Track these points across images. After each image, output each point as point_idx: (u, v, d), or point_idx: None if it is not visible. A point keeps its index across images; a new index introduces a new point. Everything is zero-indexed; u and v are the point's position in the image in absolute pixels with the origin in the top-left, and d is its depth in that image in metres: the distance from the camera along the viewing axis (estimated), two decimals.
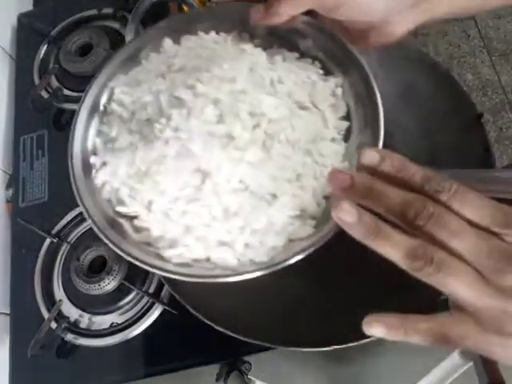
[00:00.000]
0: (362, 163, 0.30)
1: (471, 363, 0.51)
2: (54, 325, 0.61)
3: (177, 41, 0.45)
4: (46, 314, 0.62)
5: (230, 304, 0.50)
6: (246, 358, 0.57)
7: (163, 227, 0.38)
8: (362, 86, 0.41)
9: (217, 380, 0.56)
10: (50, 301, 0.64)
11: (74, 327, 0.62)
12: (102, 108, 0.44)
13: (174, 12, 0.80)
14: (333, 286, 0.55)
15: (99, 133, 0.43)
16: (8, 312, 0.66)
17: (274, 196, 0.37)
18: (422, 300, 0.46)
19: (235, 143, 0.37)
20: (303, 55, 0.44)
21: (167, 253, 0.37)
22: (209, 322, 0.46)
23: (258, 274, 0.34)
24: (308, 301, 0.53)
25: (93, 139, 0.43)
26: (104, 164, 0.41)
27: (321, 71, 0.44)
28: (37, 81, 0.79)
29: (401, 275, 0.51)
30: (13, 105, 0.80)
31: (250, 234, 0.36)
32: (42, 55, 0.82)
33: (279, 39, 0.44)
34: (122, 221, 0.39)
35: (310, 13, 0.39)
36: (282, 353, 0.55)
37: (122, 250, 0.36)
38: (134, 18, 0.48)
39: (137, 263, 0.36)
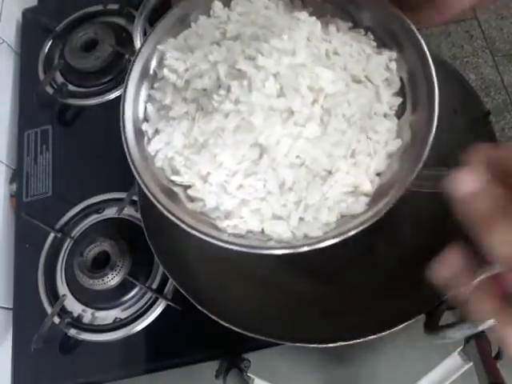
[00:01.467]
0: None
1: (471, 363, 0.51)
2: (57, 320, 0.61)
3: (227, 4, 0.44)
4: (49, 309, 0.62)
5: (235, 300, 0.50)
6: (246, 356, 0.57)
7: (218, 199, 0.38)
8: (417, 62, 0.40)
9: (216, 377, 0.56)
10: (54, 296, 0.64)
11: (77, 322, 0.62)
12: (152, 72, 0.43)
13: None
14: (335, 285, 0.55)
15: (151, 99, 0.43)
16: (11, 306, 0.66)
17: (329, 172, 0.37)
18: (422, 300, 0.46)
19: (295, 118, 0.37)
20: (356, 25, 0.44)
21: (222, 223, 0.37)
22: (214, 317, 0.46)
23: (312, 247, 0.34)
24: (311, 298, 0.53)
25: (143, 105, 0.42)
26: (157, 132, 0.40)
27: (374, 43, 0.43)
28: (41, 76, 0.79)
29: (401, 275, 0.52)
30: (17, 100, 0.80)
31: (304, 209, 0.37)
32: (46, 51, 0.81)
33: (332, 8, 0.44)
34: (176, 189, 0.39)
35: None
36: (281, 351, 0.56)
37: (175, 217, 0.36)
38: (141, 14, 0.47)
39: (191, 231, 0.36)
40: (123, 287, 0.61)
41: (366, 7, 0.42)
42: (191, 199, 0.39)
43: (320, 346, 0.46)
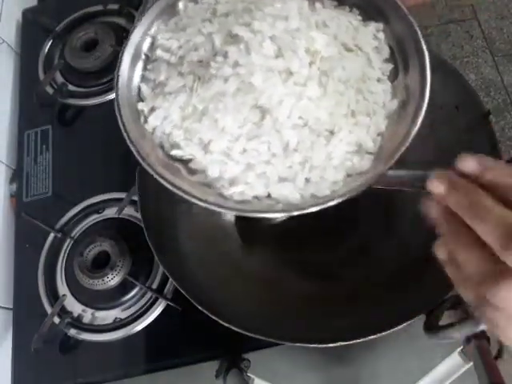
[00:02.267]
0: (460, 171, 0.28)
1: (471, 363, 0.51)
2: (57, 320, 0.61)
3: None
4: (49, 309, 0.62)
5: (235, 300, 0.50)
6: (246, 356, 0.57)
7: (222, 167, 0.38)
8: (405, 32, 0.42)
9: (216, 377, 0.56)
10: (54, 296, 0.64)
11: (77, 322, 0.62)
12: (143, 56, 0.44)
13: None
14: (335, 285, 0.55)
15: (144, 79, 0.43)
16: (11, 306, 0.66)
17: (332, 132, 0.38)
18: (422, 300, 0.46)
19: (295, 78, 0.37)
20: (341, 3, 0.45)
21: (228, 191, 0.37)
22: (214, 317, 0.46)
23: (321, 207, 0.35)
24: (311, 298, 0.53)
25: (137, 86, 0.43)
26: (153, 109, 0.41)
27: (359, 17, 0.44)
28: (41, 76, 0.79)
29: (401, 276, 0.52)
30: (17, 100, 0.80)
31: (310, 170, 0.37)
32: (46, 51, 0.82)
33: None
34: (177, 164, 0.39)
35: None
36: (281, 351, 0.56)
37: (178, 189, 0.36)
38: (141, 14, 0.47)
39: (197, 202, 0.36)
40: (123, 287, 0.61)
41: None
42: (193, 172, 0.39)
43: (320, 345, 0.46)
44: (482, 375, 0.46)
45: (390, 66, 0.43)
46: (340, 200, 0.35)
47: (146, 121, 0.41)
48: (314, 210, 0.35)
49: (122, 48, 0.43)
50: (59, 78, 0.78)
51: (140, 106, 0.42)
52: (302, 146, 0.37)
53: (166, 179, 0.37)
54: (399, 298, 0.49)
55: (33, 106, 0.75)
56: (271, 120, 0.37)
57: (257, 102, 0.37)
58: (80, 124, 0.75)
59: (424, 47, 0.40)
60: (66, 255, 0.66)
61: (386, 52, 0.43)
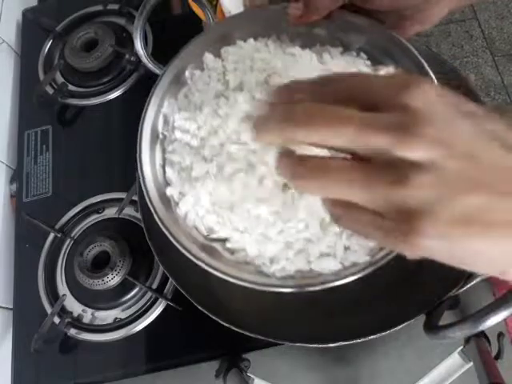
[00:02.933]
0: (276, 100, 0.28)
1: (471, 363, 0.51)
2: (57, 320, 0.61)
3: (217, 54, 0.45)
4: (49, 309, 0.62)
5: (235, 300, 0.50)
6: (246, 356, 0.57)
7: (261, 247, 0.38)
8: (414, 70, 0.41)
9: (216, 377, 0.56)
10: (53, 296, 0.64)
11: (77, 322, 0.62)
12: (161, 136, 0.43)
13: (176, 8, 0.80)
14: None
15: (168, 162, 0.42)
16: (11, 306, 0.66)
17: None
18: (422, 300, 0.46)
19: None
20: (347, 49, 0.44)
21: (269, 269, 0.37)
22: (214, 317, 0.46)
23: (362, 274, 0.35)
24: (311, 298, 0.53)
25: (161, 169, 0.42)
26: (182, 194, 0.40)
27: (368, 62, 0.44)
28: (42, 76, 0.79)
29: (401, 275, 0.52)
30: (17, 100, 0.80)
31: (348, 238, 0.37)
32: (46, 51, 0.82)
33: (321, 36, 0.44)
34: (214, 244, 0.39)
35: (343, 6, 0.40)
36: (280, 351, 0.56)
37: (222, 273, 0.36)
38: (141, 14, 0.47)
39: (242, 283, 0.36)
40: (123, 287, 0.61)
41: (353, 29, 0.43)
42: (231, 251, 0.39)
43: (320, 345, 0.46)
44: (481, 375, 0.46)
45: None
46: (378, 265, 0.35)
47: (177, 205, 0.40)
48: (355, 278, 0.35)
49: (140, 129, 0.42)
50: (59, 78, 0.78)
51: (169, 191, 0.41)
52: None
53: (205, 263, 0.37)
54: (399, 298, 0.49)
55: (33, 106, 0.75)
56: (305, 199, 0.36)
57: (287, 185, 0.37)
58: (80, 124, 0.75)
59: (422, 60, 0.39)
60: (66, 255, 0.66)
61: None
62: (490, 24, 1.62)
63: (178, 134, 0.42)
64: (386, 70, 0.42)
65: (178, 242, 0.37)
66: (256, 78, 0.41)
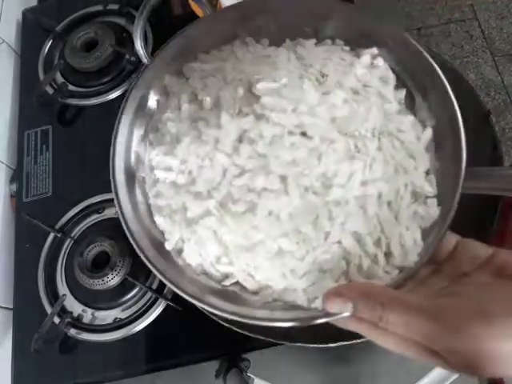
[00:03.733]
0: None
1: None
2: (57, 320, 0.61)
3: (179, 73, 0.42)
4: (49, 309, 0.62)
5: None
6: (246, 356, 0.57)
7: (287, 280, 0.35)
8: (402, 49, 0.39)
9: (216, 377, 0.56)
10: (54, 295, 0.64)
11: (77, 322, 0.62)
12: (140, 178, 0.39)
13: (176, 8, 0.80)
14: None
15: (155, 209, 0.38)
16: (11, 306, 0.66)
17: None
18: None
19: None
20: (320, 39, 0.42)
21: (307, 302, 0.35)
22: (214, 317, 0.46)
23: (411, 273, 0.33)
24: None
25: (147, 218, 0.38)
26: (182, 240, 0.37)
27: (346, 47, 0.42)
28: (42, 76, 0.79)
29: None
30: (17, 100, 0.80)
31: (387, 246, 0.35)
32: (46, 51, 0.82)
33: (290, 31, 0.42)
34: (232, 288, 0.36)
35: None
36: (281, 351, 0.55)
37: (256, 319, 0.32)
38: (141, 14, 0.47)
39: (286, 324, 0.32)
40: (123, 287, 0.61)
41: (325, 18, 0.41)
42: (255, 292, 0.36)
43: (320, 345, 0.46)
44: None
45: (403, 92, 0.40)
46: (421, 264, 0.33)
47: (179, 256, 0.37)
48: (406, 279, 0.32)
49: (111, 172, 0.37)
50: (59, 78, 0.78)
51: (167, 245, 0.37)
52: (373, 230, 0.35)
53: (234, 313, 0.33)
54: None
55: (33, 106, 0.75)
56: (333, 223, 0.35)
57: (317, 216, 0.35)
58: (80, 124, 0.75)
59: (430, 60, 0.37)
60: (66, 255, 0.66)
61: (392, 78, 0.40)
62: (490, 24, 1.62)
63: (159, 174, 0.38)
64: (369, 52, 0.41)
65: (194, 297, 0.33)
66: (233, 90, 0.38)
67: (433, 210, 0.35)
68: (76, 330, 0.61)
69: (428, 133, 0.38)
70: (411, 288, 0.31)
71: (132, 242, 0.35)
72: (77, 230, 0.67)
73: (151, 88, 0.41)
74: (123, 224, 0.36)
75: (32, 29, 0.84)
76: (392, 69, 0.41)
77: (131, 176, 0.39)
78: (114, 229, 0.64)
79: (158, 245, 0.37)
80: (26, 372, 0.62)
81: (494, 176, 0.33)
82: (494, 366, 0.24)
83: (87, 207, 0.68)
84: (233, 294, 0.36)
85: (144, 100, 0.41)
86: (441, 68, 0.37)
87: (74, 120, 0.76)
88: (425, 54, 0.37)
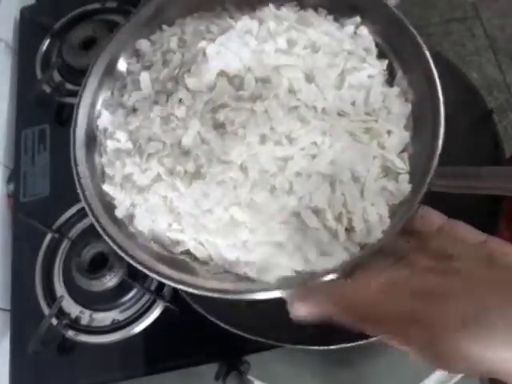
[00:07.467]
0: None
1: None
2: (54, 321, 0.61)
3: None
4: (46, 311, 0.62)
5: (234, 302, 0.49)
6: (245, 358, 0.57)
7: (241, 252, 0.34)
8: (384, 19, 0.38)
9: (216, 379, 0.55)
10: (51, 297, 0.63)
11: (75, 324, 0.61)
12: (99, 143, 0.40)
13: None
14: None
15: (107, 177, 0.39)
16: (8, 308, 0.66)
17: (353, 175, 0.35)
18: None
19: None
20: (302, 6, 0.42)
21: (258, 276, 0.34)
22: (213, 319, 0.45)
23: (378, 247, 0.32)
24: None
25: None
26: (133, 206, 0.37)
27: (330, 17, 0.41)
28: (39, 75, 0.79)
29: None
30: (15, 98, 0.79)
31: (350, 220, 0.34)
32: (44, 49, 0.81)
33: None
34: (183, 257, 0.36)
35: None
36: (281, 353, 0.55)
37: (202, 289, 0.33)
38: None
39: (228, 296, 0.32)
40: (121, 288, 0.61)
41: None
42: (204, 262, 0.36)
43: (321, 347, 0.45)
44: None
45: (384, 63, 0.39)
46: (390, 239, 0.32)
47: (131, 223, 0.37)
48: (370, 256, 0.32)
49: (72, 136, 0.39)
50: (57, 77, 0.78)
51: (118, 213, 0.37)
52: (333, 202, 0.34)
53: (180, 282, 0.33)
54: None
55: (30, 104, 0.75)
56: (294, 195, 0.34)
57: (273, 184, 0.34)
58: None
59: (415, 32, 0.36)
60: (63, 256, 0.65)
61: (374, 48, 0.40)
62: (493, 22, 1.61)
63: (110, 142, 0.39)
64: (353, 22, 0.40)
65: (141, 264, 0.34)
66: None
67: (403, 187, 0.34)
68: (74, 332, 0.61)
69: (407, 107, 0.37)
70: (392, 263, 0.30)
71: (84, 202, 0.36)
72: (74, 231, 0.66)
73: (122, 51, 0.42)
74: (77, 183, 0.37)
75: (30, 27, 0.84)
76: (374, 41, 0.40)
77: (93, 139, 0.40)
78: None
79: (112, 211, 0.37)
80: (24, 374, 0.61)
81: (482, 175, 0.32)
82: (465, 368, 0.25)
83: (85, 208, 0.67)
84: (183, 263, 0.35)
85: (114, 63, 0.42)
86: (442, 67, 0.37)
87: (71, 119, 0.75)
88: (408, 25, 0.37)
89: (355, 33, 0.40)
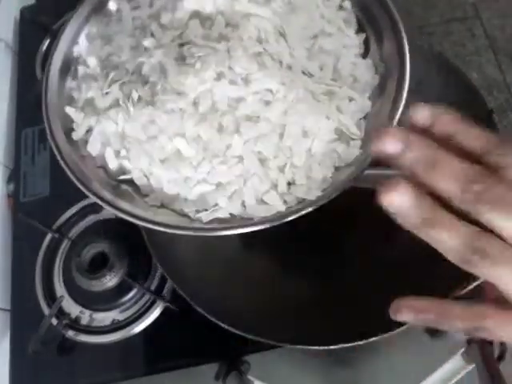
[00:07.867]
0: (413, 121, 0.25)
1: (473, 365, 0.51)
2: (54, 321, 0.61)
3: None
4: (46, 311, 0.62)
5: (234, 302, 0.49)
6: (246, 358, 0.57)
7: (182, 188, 0.35)
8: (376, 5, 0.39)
9: (216, 379, 0.55)
10: (51, 297, 0.63)
11: (75, 324, 0.61)
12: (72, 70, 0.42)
13: None
14: (335, 286, 0.54)
15: (72, 99, 0.41)
16: (8, 308, 0.66)
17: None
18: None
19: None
20: None
21: (194, 213, 0.34)
22: (213, 319, 0.45)
23: (313, 207, 0.32)
24: (311, 300, 0.52)
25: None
26: (90, 130, 0.39)
27: None
28: (39, 75, 0.78)
29: (402, 276, 0.51)
30: (15, 98, 0.79)
31: (293, 173, 0.34)
32: (44, 49, 0.81)
33: None
34: (125, 186, 0.37)
35: None
36: (281, 353, 0.55)
37: (131, 215, 0.34)
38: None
39: (157, 228, 0.33)
40: (121, 288, 0.61)
41: None
42: (145, 194, 0.36)
43: (321, 347, 0.45)
44: (483, 377, 0.45)
45: (362, 37, 0.40)
46: (330, 198, 0.32)
47: (84, 146, 0.38)
48: (296, 216, 0.32)
49: (49, 58, 0.41)
50: None
51: (74, 135, 0.39)
52: (281, 153, 0.35)
53: (113, 206, 0.34)
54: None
55: (30, 104, 0.74)
56: (240, 138, 0.34)
57: (220, 121, 0.35)
58: None
59: (394, 11, 0.37)
60: (63, 256, 0.65)
61: (355, 23, 0.41)
62: (493, 23, 1.61)
63: (80, 68, 0.40)
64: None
65: (81, 182, 0.36)
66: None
67: (351, 151, 0.35)
68: (74, 332, 0.61)
69: (375, 79, 0.38)
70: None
71: (45, 123, 0.39)
72: (74, 231, 0.66)
73: None
74: (43, 105, 0.40)
75: (30, 27, 0.84)
76: (355, 14, 0.41)
77: (68, 66, 0.42)
78: (112, 229, 0.64)
79: (71, 135, 0.39)
80: (24, 374, 0.61)
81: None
82: None
83: (85, 207, 0.67)
84: (126, 192, 0.36)
85: (105, 2, 0.44)
86: (443, 67, 0.37)
87: None
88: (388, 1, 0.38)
89: (341, 6, 0.41)
